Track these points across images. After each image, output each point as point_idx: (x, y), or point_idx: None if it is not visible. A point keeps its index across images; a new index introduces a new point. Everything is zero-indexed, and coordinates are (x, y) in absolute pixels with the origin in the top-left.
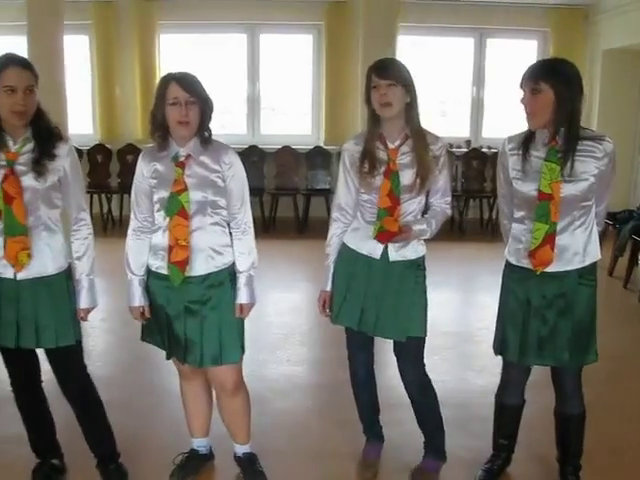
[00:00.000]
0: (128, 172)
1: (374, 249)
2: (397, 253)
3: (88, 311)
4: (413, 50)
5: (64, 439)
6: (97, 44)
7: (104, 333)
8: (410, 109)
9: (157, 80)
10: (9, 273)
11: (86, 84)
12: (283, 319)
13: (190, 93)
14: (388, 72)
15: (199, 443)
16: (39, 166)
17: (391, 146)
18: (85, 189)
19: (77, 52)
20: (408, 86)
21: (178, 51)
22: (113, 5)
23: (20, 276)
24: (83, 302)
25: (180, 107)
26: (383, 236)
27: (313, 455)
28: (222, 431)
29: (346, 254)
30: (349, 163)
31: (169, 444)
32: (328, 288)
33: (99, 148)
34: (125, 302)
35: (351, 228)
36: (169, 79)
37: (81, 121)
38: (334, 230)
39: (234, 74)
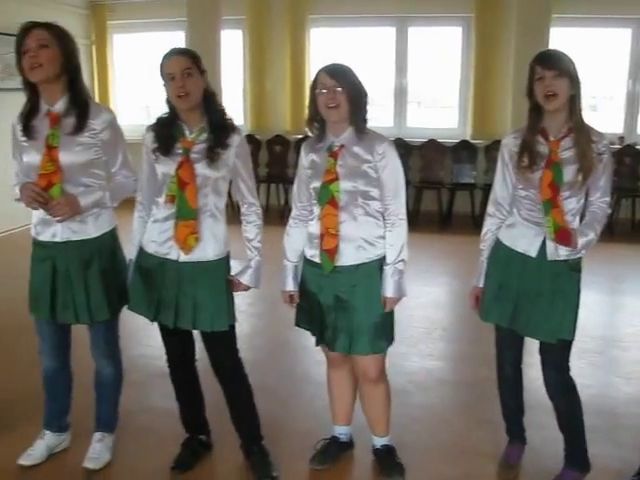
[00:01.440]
0: (276, 162)
1: (530, 247)
2: (555, 252)
3: (246, 289)
4: (566, 42)
5: (213, 417)
6: (250, 38)
7: (251, 317)
8: (574, 102)
9: (307, 73)
10: (173, 255)
11: (238, 76)
12: (424, 313)
13: (336, 80)
14: (554, 62)
15: (340, 430)
16: (212, 154)
17: (552, 139)
18: (254, 177)
19: (231, 46)
20: (573, 78)
21: (327, 44)
22: (266, 0)
23: (183, 258)
24: (246, 279)
25: (327, 93)
26: (561, 235)
27: (452, 452)
28: (363, 422)
29: (500, 251)
30: (508, 157)
31: (309, 430)
32: (481, 284)
33: (249, 139)
34: (272, 289)
35: (506, 224)
36: (320, 70)
37: (232, 112)
38: (489, 226)
39: (382, 67)
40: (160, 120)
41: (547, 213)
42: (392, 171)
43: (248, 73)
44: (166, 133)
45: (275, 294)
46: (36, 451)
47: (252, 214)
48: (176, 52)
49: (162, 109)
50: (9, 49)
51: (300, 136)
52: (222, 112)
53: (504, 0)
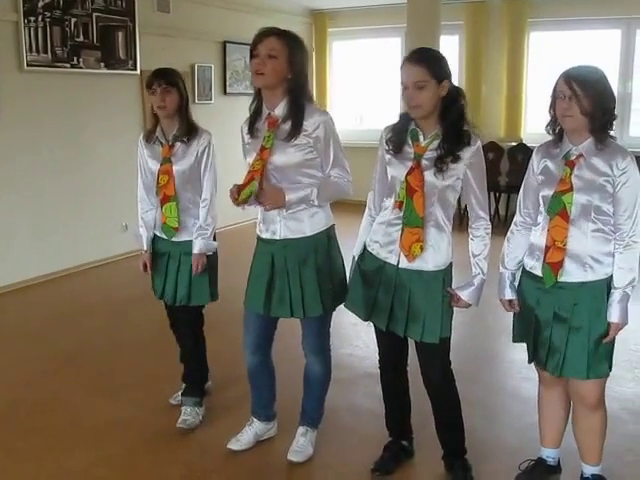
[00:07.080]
0: (487, 169)
1: None
2: None
3: (465, 305)
4: None
5: (417, 424)
6: (467, 43)
7: (459, 326)
8: None
9: (524, 78)
10: (393, 259)
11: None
12: None
13: (571, 88)
14: None
15: (548, 453)
16: (441, 164)
17: None
18: (486, 189)
19: (446, 52)
20: None
21: (546, 48)
22: (485, 5)
23: (402, 265)
24: (466, 296)
25: (563, 101)
26: None
27: None
28: (572, 445)
29: None
30: None
31: (514, 448)
32: None
33: None
34: (484, 298)
35: None
36: (560, 75)
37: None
38: None
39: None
40: (400, 118)
41: None
42: (632, 189)
43: (464, 79)
44: (402, 131)
45: (483, 303)
46: (244, 437)
47: (480, 229)
48: (410, 60)
49: (374, 115)
50: (238, 56)
51: (514, 143)
52: (459, 120)
53: None
